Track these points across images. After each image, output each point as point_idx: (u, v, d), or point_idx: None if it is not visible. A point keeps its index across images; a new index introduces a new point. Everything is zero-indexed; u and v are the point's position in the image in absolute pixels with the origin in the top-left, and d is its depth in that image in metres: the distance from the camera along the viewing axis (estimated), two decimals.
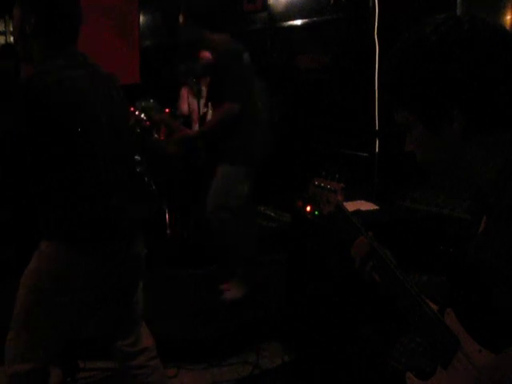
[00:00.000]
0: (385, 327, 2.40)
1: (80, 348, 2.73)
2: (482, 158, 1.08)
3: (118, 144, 2.00)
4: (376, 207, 3.00)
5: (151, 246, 2.26)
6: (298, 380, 2.95)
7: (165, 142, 3.63)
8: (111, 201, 1.93)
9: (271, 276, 3.79)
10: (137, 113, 3.52)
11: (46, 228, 1.91)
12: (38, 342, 1.94)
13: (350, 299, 2.63)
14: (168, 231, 4.34)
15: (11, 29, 4.56)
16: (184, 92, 4.93)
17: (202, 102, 4.43)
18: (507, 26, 3.10)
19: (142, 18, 5.80)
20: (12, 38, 4.56)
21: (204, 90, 4.71)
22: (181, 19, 3.57)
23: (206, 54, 4.93)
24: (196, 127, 4.35)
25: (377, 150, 4.07)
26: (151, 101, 3.79)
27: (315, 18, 4.63)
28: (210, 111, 3.86)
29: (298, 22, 4.79)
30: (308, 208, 1.46)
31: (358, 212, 2.76)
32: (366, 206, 2.99)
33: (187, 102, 4.85)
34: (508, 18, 3.16)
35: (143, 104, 3.64)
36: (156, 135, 3.56)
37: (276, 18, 4.96)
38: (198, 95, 4.34)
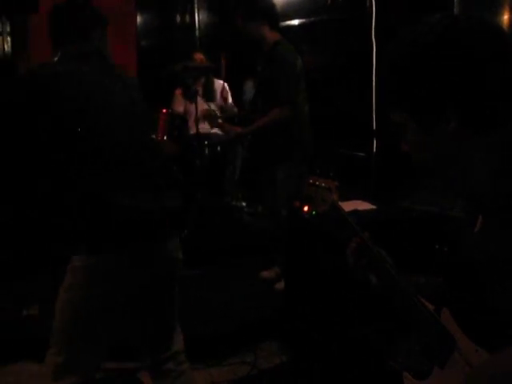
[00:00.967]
0: (383, 327, 2.40)
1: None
2: (477, 159, 1.07)
3: (134, 144, 1.95)
4: (373, 207, 3.01)
5: None
6: (295, 380, 2.95)
7: (164, 142, 3.62)
8: (127, 201, 1.86)
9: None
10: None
11: (73, 243, 1.89)
12: (80, 355, 1.91)
13: (348, 299, 2.63)
14: None
15: (8, 29, 4.54)
16: (178, 93, 4.93)
17: (200, 101, 4.43)
18: (504, 26, 3.10)
19: (139, 18, 5.82)
20: (9, 39, 4.54)
21: (200, 90, 4.71)
22: (238, 18, 3.59)
23: (200, 56, 4.94)
24: (193, 129, 4.34)
25: (374, 149, 4.08)
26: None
27: (312, 18, 4.64)
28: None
29: (296, 22, 4.79)
30: (305, 208, 1.45)
31: (355, 211, 2.76)
32: (363, 205, 2.99)
33: (182, 103, 4.85)
34: (505, 17, 3.17)
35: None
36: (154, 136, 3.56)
37: None
38: (193, 98, 4.35)
